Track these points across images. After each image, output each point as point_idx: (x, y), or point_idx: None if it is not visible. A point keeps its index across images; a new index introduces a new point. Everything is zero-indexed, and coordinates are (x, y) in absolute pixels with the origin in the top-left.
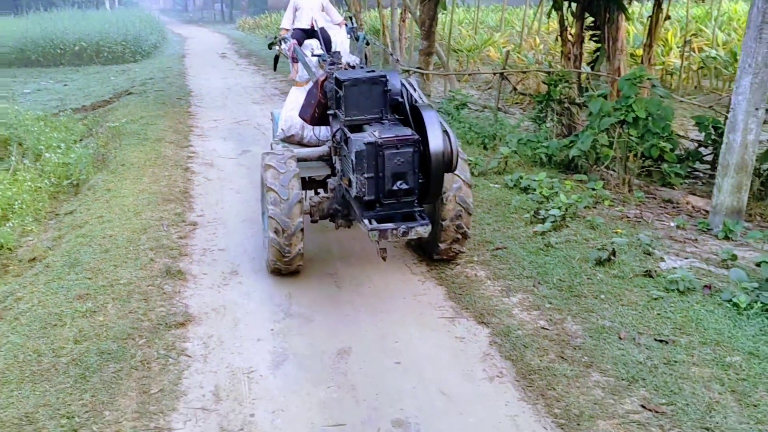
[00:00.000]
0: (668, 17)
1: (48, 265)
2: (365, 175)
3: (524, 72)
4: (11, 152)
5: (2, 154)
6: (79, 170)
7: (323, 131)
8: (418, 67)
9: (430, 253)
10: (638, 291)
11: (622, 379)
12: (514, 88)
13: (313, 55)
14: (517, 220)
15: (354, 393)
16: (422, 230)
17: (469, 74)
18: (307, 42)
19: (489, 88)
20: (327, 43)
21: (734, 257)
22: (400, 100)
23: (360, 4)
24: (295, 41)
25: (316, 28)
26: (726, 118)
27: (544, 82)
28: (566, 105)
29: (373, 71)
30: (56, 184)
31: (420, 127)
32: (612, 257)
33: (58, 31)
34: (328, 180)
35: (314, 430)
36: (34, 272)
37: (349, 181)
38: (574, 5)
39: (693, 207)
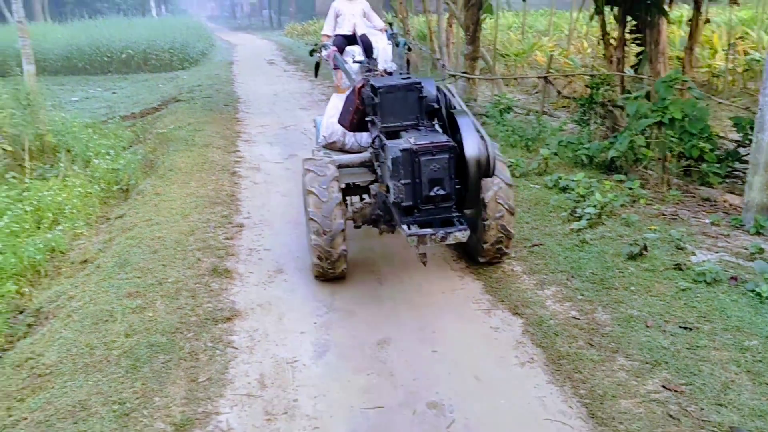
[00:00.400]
0: (708, 21)
1: (99, 266)
2: (402, 181)
3: (567, 76)
4: (60, 159)
5: (52, 161)
6: (128, 176)
7: (365, 137)
8: (464, 72)
9: (475, 257)
10: (667, 283)
11: (646, 363)
12: (559, 92)
13: (354, 62)
14: (555, 219)
15: (392, 379)
16: (460, 235)
17: (514, 78)
18: (348, 48)
19: (537, 92)
20: (368, 49)
21: (762, 251)
22: (436, 106)
23: (407, 9)
24: (334, 48)
25: (362, 34)
26: None
27: (587, 86)
28: (609, 108)
29: (409, 78)
30: (106, 189)
31: (456, 133)
32: (644, 252)
33: (104, 38)
34: (370, 186)
35: (353, 413)
36: (86, 273)
37: (387, 187)
38: (616, 9)
39: (730, 205)
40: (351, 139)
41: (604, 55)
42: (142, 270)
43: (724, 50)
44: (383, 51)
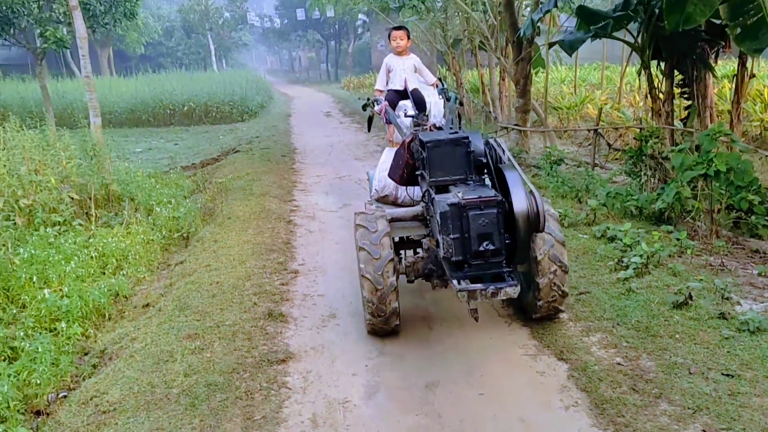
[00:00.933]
0: (753, 75)
1: (160, 309)
2: (451, 236)
3: (617, 128)
4: (123, 207)
5: (116, 210)
6: (188, 223)
7: (416, 191)
8: (515, 124)
9: (528, 313)
10: (711, 331)
11: (688, 408)
12: (609, 145)
13: (406, 116)
14: (602, 268)
15: (440, 420)
16: (511, 291)
17: (565, 130)
18: (401, 103)
19: (588, 145)
20: (421, 103)
21: None
22: (484, 160)
23: (459, 64)
24: (386, 103)
25: (414, 89)
26: None
27: (635, 138)
28: (659, 160)
29: (457, 132)
30: (167, 236)
31: (505, 188)
32: (689, 301)
33: (167, 92)
34: (423, 240)
35: None
36: (148, 316)
37: (437, 241)
38: (663, 64)
39: None
40: (403, 192)
41: (652, 108)
42: (201, 313)
43: None
44: (434, 105)
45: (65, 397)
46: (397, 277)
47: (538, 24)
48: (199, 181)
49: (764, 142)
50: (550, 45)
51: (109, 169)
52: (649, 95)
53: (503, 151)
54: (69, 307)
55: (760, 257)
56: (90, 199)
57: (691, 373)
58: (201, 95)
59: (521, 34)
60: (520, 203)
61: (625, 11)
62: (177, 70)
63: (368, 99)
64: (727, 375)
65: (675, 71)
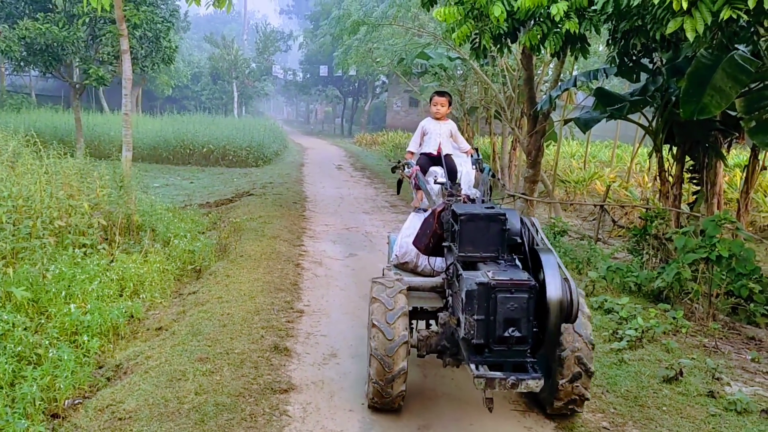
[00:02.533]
0: (764, 167)
1: (174, 333)
2: (475, 317)
3: (623, 207)
4: (142, 237)
5: (136, 238)
6: (202, 257)
7: (438, 261)
8: (522, 193)
9: (543, 406)
10: (699, 408)
11: None
12: (613, 221)
13: (436, 183)
14: (596, 338)
15: None
16: (533, 384)
17: (571, 203)
18: (432, 169)
19: (593, 219)
20: (452, 171)
21: None
22: (519, 240)
23: (473, 130)
24: (417, 167)
25: (446, 154)
26: None
27: (640, 217)
28: (662, 240)
29: (492, 207)
30: (181, 268)
31: (538, 272)
32: (679, 376)
33: (189, 133)
34: (439, 314)
35: None
36: (162, 338)
37: (458, 320)
38: (674, 148)
39: None
40: (424, 261)
41: (660, 190)
42: (212, 340)
43: None
44: (466, 175)
45: (80, 403)
46: (408, 353)
47: (555, 100)
48: (214, 219)
49: None
50: (566, 121)
51: (134, 201)
52: (659, 177)
53: (536, 231)
54: (90, 322)
55: (755, 344)
56: (114, 226)
57: None
58: (220, 138)
59: (538, 109)
60: (554, 290)
61: (642, 96)
62: (200, 113)
63: (399, 161)
64: None
65: (686, 156)
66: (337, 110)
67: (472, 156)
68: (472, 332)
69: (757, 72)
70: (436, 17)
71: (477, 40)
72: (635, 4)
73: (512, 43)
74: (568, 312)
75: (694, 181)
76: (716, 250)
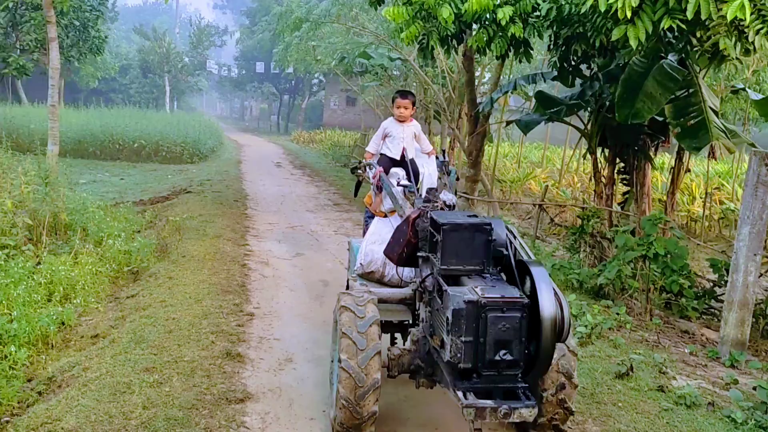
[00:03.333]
0: (689, 170)
1: (114, 341)
2: (463, 339)
3: (560, 206)
4: (71, 237)
5: (65, 238)
6: (140, 259)
7: (406, 270)
8: (464, 193)
9: (524, 426)
10: (651, 402)
11: None
12: (552, 220)
13: (398, 185)
14: None
15: None
16: (527, 413)
17: (511, 203)
18: (393, 170)
19: (528, 218)
20: (414, 173)
21: (736, 381)
22: (505, 252)
23: None
24: (381, 169)
25: (406, 159)
26: None
27: (579, 216)
28: (598, 239)
29: (476, 216)
30: (116, 270)
31: (524, 286)
32: (630, 372)
33: (118, 127)
34: (410, 329)
35: None
36: (100, 346)
37: (442, 341)
38: (607, 151)
39: (707, 338)
40: (391, 270)
41: (594, 190)
42: (158, 348)
43: (701, 198)
44: (428, 177)
45: (8, 422)
46: (382, 364)
47: (495, 102)
48: (150, 217)
49: (689, 231)
50: (508, 123)
51: (63, 198)
52: (593, 178)
53: (517, 240)
54: (17, 331)
55: (689, 337)
56: (41, 225)
57: None
58: (153, 133)
59: (480, 110)
60: (548, 307)
61: (579, 100)
62: (129, 107)
63: (359, 162)
64: None
65: (617, 159)
66: (272, 107)
67: (437, 158)
68: (459, 355)
69: (683, 80)
70: (386, 16)
71: (425, 40)
72: (577, 11)
73: (458, 44)
74: (560, 330)
75: (624, 182)
76: (653, 248)
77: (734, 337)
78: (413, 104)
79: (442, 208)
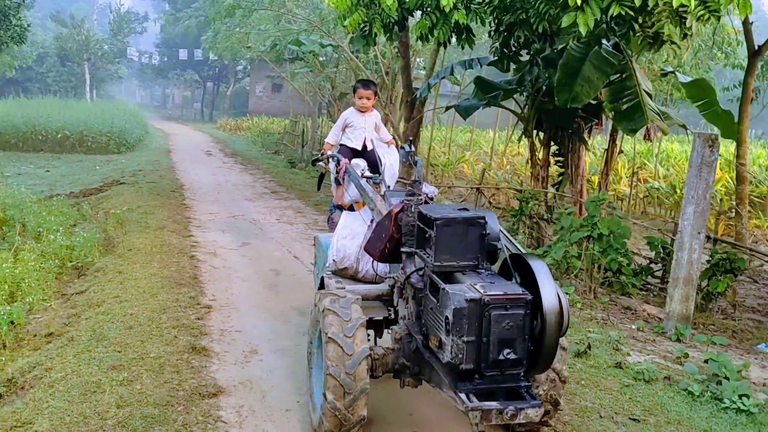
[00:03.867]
0: (621, 151)
1: (72, 339)
2: (464, 339)
3: (497, 188)
4: (6, 232)
5: (1, 234)
6: (84, 253)
7: (380, 265)
8: (401, 178)
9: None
10: (612, 379)
11: None
12: (489, 202)
13: (362, 177)
14: None
15: None
16: (533, 413)
17: (449, 187)
18: (354, 161)
19: (463, 201)
20: (376, 163)
21: (686, 355)
22: (499, 246)
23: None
24: (347, 161)
25: (369, 149)
26: (672, 239)
27: (517, 198)
28: (536, 220)
29: (466, 209)
30: (59, 265)
31: (525, 281)
32: (588, 350)
33: (40, 117)
34: (391, 327)
35: None
36: (58, 345)
37: (440, 342)
38: (542, 134)
39: (648, 314)
40: (366, 266)
41: (531, 173)
42: (121, 344)
43: (627, 178)
44: (390, 167)
45: None
46: (370, 368)
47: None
48: (85, 210)
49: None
50: (447, 108)
51: None
52: (530, 161)
53: (502, 232)
54: None
55: (632, 313)
56: None
57: (601, 417)
58: (76, 123)
59: (417, 96)
60: (550, 302)
61: (516, 85)
62: (48, 96)
63: (321, 153)
64: (634, 420)
65: (552, 142)
66: (196, 95)
67: (402, 148)
68: (460, 356)
69: (619, 64)
70: (328, 4)
71: (367, 27)
72: None
73: (401, 31)
74: (562, 324)
75: (559, 164)
76: (597, 228)
77: (680, 313)
78: (375, 94)
79: (426, 202)
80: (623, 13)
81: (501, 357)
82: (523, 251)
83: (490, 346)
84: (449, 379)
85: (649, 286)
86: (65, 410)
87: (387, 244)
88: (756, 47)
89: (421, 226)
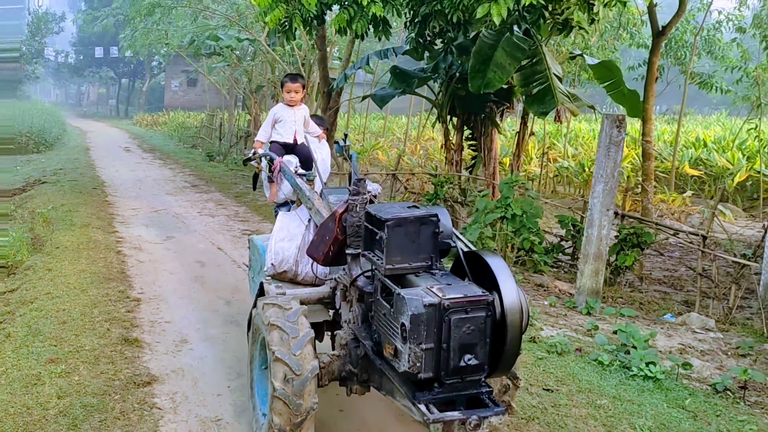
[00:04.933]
0: (533, 133)
1: (9, 335)
2: (423, 346)
3: (411, 173)
4: None
5: None
6: (13, 252)
7: (320, 267)
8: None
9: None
10: (527, 353)
11: (522, 418)
12: (405, 188)
13: (296, 174)
14: None
15: None
16: (496, 420)
17: (365, 174)
18: (286, 158)
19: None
20: (307, 160)
21: (596, 327)
22: (452, 244)
23: (260, 108)
24: (281, 159)
25: (301, 143)
26: (582, 217)
27: (432, 183)
28: (451, 203)
29: (417, 207)
30: None
31: (479, 280)
32: None
33: None
34: (336, 332)
35: None
36: None
37: (395, 350)
38: (455, 119)
39: (560, 290)
40: (305, 268)
41: (445, 157)
42: (56, 339)
43: (537, 158)
44: (322, 162)
45: None
46: (318, 385)
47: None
48: (7, 210)
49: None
50: (364, 98)
51: None
52: (444, 146)
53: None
54: None
55: (545, 290)
56: None
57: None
58: None
59: (334, 86)
60: (512, 300)
61: (430, 73)
62: None
63: (253, 152)
64: (547, 390)
65: (465, 126)
66: (111, 92)
67: (336, 143)
68: (419, 365)
69: (529, 50)
70: (249, 1)
71: (288, 23)
72: None
73: (320, 25)
74: (523, 323)
75: (472, 147)
76: (511, 209)
77: (590, 287)
78: (303, 87)
79: (371, 201)
80: (534, 2)
81: (462, 363)
82: (470, 245)
83: (451, 353)
84: (405, 388)
85: (560, 263)
86: (8, 402)
87: (331, 246)
88: (660, 28)
89: (369, 227)
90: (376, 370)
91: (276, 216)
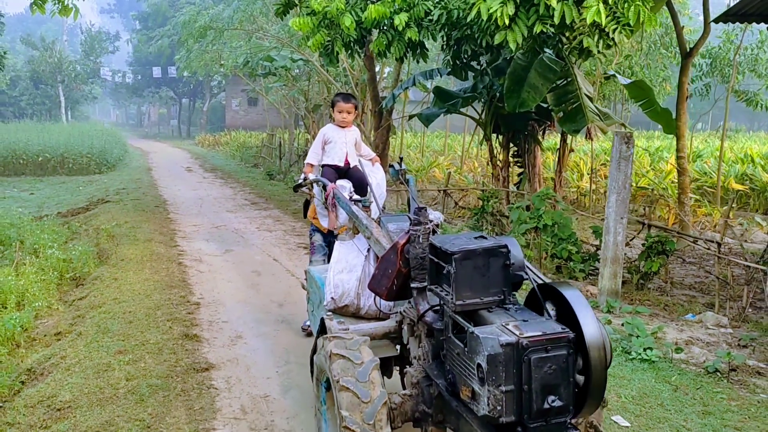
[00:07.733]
0: (572, 150)
1: (81, 334)
2: (502, 389)
3: (462, 190)
4: (3, 250)
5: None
6: (81, 265)
7: (383, 301)
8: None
9: None
10: None
11: None
12: (456, 203)
13: (351, 200)
14: None
15: None
16: None
17: (419, 191)
18: (339, 182)
19: (435, 204)
20: (361, 184)
21: (609, 322)
22: (525, 277)
23: (318, 126)
24: (334, 185)
25: (354, 166)
26: None
27: (479, 198)
28: (497, 217)
29: (485, 237)
30: (58, 277)
31: (557, 313)
32: None
33: (19, 142)
34: (406, 369)
35: None
36: (69, 340)
37: (473, 392)
38: (501, 137)
39: (590, 293)
40: (368, 302)
41: (492, 174)
42: (124, 335)
43: (588, 174)
44: (377, 187)
45: (0, 407)
46: (391, 417)
47: (397, 97)
48: (75, 228)
49: (579, 204)
50: (410, 117)
51: None
52: (490, 162)
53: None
54: None
55: None
56: None
57: None
58: (56, 146)
59: (384, 106)
60: (593, 336)
61: (472, 93)
62: (24, 120)
63: (304, 178)
64: None
65: (511, 144)
66: (172, 112)
67: (391, 166)
68: (499, 408)
69: (561, 71)
70: (293, 26)
71: (330, 46)
72: (464, 17)
73: (361, 49)
74: (605, 359)
75: (518, 164)
76: (542, 220)
77: (609, 288)
78: (356, 108)
79: (433, 231)
80: (545, 30)
81: (546, 405)
82: (547, 280)
83: (533, 395)
84: None
85: (596, 270)
86: (82, 384)
87: (394, 280)
88: (688, 49)
89: (435, 259)
90: (452, 411)
91: (310, 240)
